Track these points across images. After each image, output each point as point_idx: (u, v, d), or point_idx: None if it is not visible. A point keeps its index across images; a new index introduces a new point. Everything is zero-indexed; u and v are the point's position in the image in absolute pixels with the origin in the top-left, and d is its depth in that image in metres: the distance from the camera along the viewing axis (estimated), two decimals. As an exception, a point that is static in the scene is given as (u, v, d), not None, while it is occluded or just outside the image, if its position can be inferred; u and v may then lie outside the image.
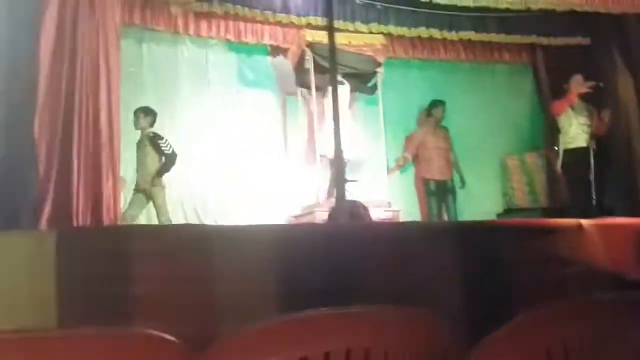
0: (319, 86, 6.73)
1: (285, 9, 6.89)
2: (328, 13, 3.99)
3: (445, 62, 8.06)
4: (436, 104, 7.44)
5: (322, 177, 6.66)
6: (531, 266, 2.56)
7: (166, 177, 6.16)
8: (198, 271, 2.11)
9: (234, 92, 7.13)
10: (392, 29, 7.27)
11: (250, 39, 7.09)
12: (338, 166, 3.83)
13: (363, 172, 6.98)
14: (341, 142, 3.52)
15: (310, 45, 6.47)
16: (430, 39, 7.65)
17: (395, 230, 2.59)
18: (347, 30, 6.90)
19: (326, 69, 6.38)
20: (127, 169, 6.13)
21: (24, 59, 4.74)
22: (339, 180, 3.87)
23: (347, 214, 3.45)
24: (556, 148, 7.30)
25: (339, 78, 6.54)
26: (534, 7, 6.99)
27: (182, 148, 6.62)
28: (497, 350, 1.43)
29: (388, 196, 6.71)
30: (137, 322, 1.98)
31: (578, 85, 6.54)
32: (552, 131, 7.21)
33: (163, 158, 6.05)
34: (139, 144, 6.06)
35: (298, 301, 2.02)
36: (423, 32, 7.42)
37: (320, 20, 6.86)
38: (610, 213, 5.44)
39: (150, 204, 6.02)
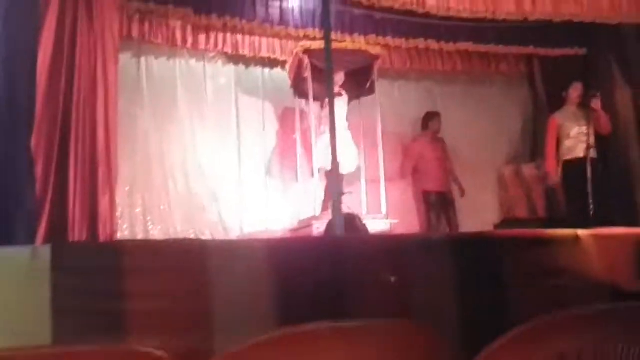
0: (317, 97, 6.75)
1: (283, 22, 6.92)
2: (326, 22, 4.01)
3: (443, 74, 8.07)
4: (432, 115, 7.48)
5: (319, 190, 6.66)
6: (529, 278, 2.55)
7: (164, 190, 6.18)
8: (194, 286, 2.11)
9: (232, 104, 7.14)
10: (390, 40, 7.31)
11: (247, 52, 7.11)
12: (334, 178, 3.83)
13: (360, 184, 6.99)
14: (337, 154, 3.53)
15: (307, 51, 6.48)
16: (428, 50, 7.68)
17: (391, 243, 2.59)
18: (345, 42, 6.94)
19: (324, 80, 6.41)
20: (124, 182, 6.14)
21: (21, 74, 4.75)
22: (335, 192, 3.87)
23: (344, 227, 3.44)
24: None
25: (337, 90, 6.58)
26: (530, 17, 7.03)
27: (178, 158, 6.64)
28: (494, 363, 1.43)
29: (385, 208, 6.71)
30: (133, 338, 1.98)
31: (577, 92, 6.57)
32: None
33: None
34: None
35: (295, 315, 2.02)
36: (421, 43, 7.45)
37: (318, 33, 6.90)
38: (608, 224, 5.43)
39: None
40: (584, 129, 6.23)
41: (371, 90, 7.04)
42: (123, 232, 6.10)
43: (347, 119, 6.96)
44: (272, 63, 7.35)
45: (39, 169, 4.64)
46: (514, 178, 7.88)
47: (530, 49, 7.78)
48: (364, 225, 5.60)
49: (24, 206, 4.53)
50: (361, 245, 2.55)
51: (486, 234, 3.35)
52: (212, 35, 6.92)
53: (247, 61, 7.26)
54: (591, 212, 5.75)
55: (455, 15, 6.86)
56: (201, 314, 2.05)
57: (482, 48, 7.67)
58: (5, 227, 4.39)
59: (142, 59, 6.78)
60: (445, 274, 2.40)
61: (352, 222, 5.27)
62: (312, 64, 6.52)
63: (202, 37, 6.89)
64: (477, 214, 7.44)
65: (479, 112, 7.89)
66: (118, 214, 5.74)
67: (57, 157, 4.78)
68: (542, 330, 1.47)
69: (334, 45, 5.12)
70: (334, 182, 3.83)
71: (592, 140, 6.29)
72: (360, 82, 7.18)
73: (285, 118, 7.35)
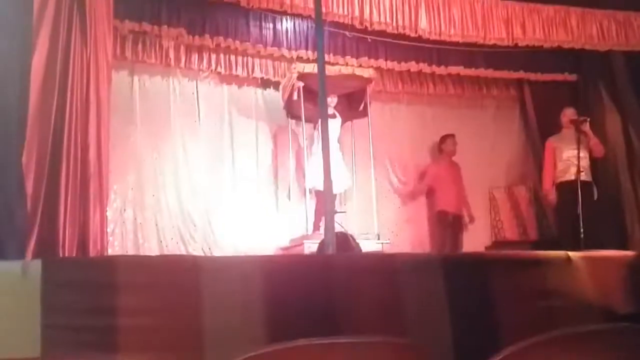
0: (310, 118, 6.78)
1: (276, 43, 6.98)
2: (319, 43, 4.03)
3: (434, 96, 8.13)
4: (444, 138, 7.57)
5: (311, 209, 6.67)
6: (519, 299, 2.55)
7: (156, 207, 6.17)
8: (185, 302, 2.09)
9: (225, 124, 7.15)
10: (382, 63, 7.37)
11: (241, 72, 7.14)
12: (327, 198, 3.83)
13: (352, 203, 7.00)
14: (330, 173, 3.53)
15: (300, 76, 6.51)
16: (420, 73, 7.74)
17: (383, 262, 2.58)
18: (338, 64, 6.98)
19: (317, 101, 6.43)
20: (116, 199, 6.13)
21: (13, 92, 4.73)
22: (328, 211, 3.86)
23: (337, 246, 3.44)
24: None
25: (331, 111, 6.61)
26: (521, 43, 7.10)
27: (171, 176, 6.63)
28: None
29: (378, 228, 6.72)
30: (124, 354, 1.96)
31: (568, 117, 6.65)
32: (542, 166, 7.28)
33: None
34: None
35: (286, 333, 2.00)
36: (413, 66, 7.51)
37: (311, 54, 6.95)
38: (598, 246, 5.45)
39: None
40: (575, 151, 6.29)
41: (364, 113, 7.08)
42: (114, 249, 6.07)
43: (339, 141, 6.99)
44: (265, 83, 7.38)
45: (29, 185, 4.61)
46: (505, 200, 7.92)
47: (520, 74, 7.86)
48: (357, 244, 5.60)
49: (14, 222, 4.50)
50: (353, 264, 2.55)
51: (477, 254, 3.35)
52: (205, 56, 6.95)
53: (240, 81, 7.28)
54: (581, 235, 5.77)
55: (447, 40, 6.94)
56: (192, 331, 2.03)
57: (473, 72, 7.75)
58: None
59: (136, 78, 6.78)
60: (437, 293, 2.39)
61: (345, 241, 5.26)
62: (305, 86, 6.56)
63: (195, 57, 6.92)
64: (468, 235, 7.48)
65: (470, 135, 7.94)
66: (109, 230, 5.71)
67: (48, 174, 4.76)
68: (534, 350, 1.47)
69: (327, 70, 5.16)
70: (328, 200, 3.82)
71: (584, 163, 6.37)
72: (353, 105, 7.22)
73: (278, 138, 7.36)
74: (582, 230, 5.79)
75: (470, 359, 1.43)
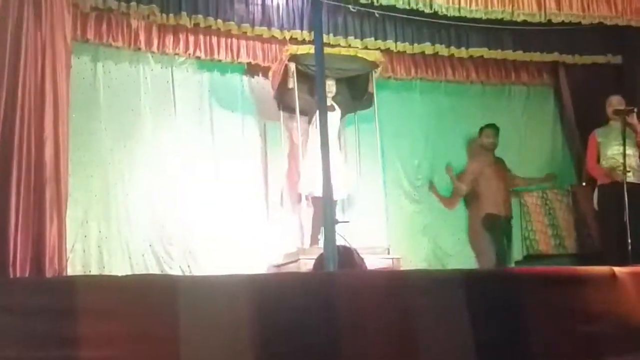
0: (305, 111, 6.77)
1: (266, 22, 6.98)
2: (316, 19, 4.05)
3: (454, 84, 8.13)
4: (481, 130, 7.55)
5: (307, 219, 6.66)
6: (556, 324, 2.56)
7: (124, 219, 6.18)
8: (160, 330, 2.10)
9: (205, 118, 7.15)
10: (392, 44, 7.38)
11: (224, 57, 7.14)
12: (326, 205, 3.83)
13: (357, 212, 7.00)
14: (330, 176, 3.54)
15: (294, 57, 6.52)
16: (436, 56, 7.75)
17: (393, 281, 2.59)
18: (339, 46, 6.98)
19: (313, 89, 6.45)
20: (77, 208, 6.12)
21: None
22: (327, 221, 3.86)
23: (338, 262, 3.44)
24: (584, 184, 7.40)
25: (329, 102, 6.61)
26: (555, 19, 7.11)
27: (142, 181, 6.62)
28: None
29: (387, 240, 6.73)
30: (86, 391, 1.96)
31: (613, 107, 6.63)
32: (581, 164, 7.29)
33: None
34: None
35: (279, 365, 2.01)
36: (427, 48, 7.52)
37: (307, 35, 6.95)
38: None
39: None
40: (621, 148, 6.28)
41: (369, 104, 7.08)
42: (74, 268, 6.07)
43: (340, 137, 6.99)
44: (252, 69, 7.38)
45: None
46: (538, 206, 7.91)
47: (555, 56, 7.87)
48: (362, 259, 5.61)
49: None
50: (357, 282, 2.56)
51: (506, 271, 3.35)
52: (182, 37, 6.95)
53: (223, 67, 7.29)
54: (629, 247, 5.77)
55: (468, 16, 6.96)
56: (169, 363, 2.04)
57: (498, 54, 7.76)
58: None
59: (100, 65, 6.77)
60: (457, 318, 2.40)
61: (348, 256, 5.27)
62: (299, 72, 6.56)
63: (169, 39, 6.91)
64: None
65: (496, 129, 7.94)
66: (69, 246, 5.71)
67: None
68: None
69: (326, 50, 5.17)
70: (327, 208, 3.82)
71: (631, 161, 6.35)
72: (355, 94, 7.23)
73: (268, 134, 7.36)
74: (629, 241, 5.79)
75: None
